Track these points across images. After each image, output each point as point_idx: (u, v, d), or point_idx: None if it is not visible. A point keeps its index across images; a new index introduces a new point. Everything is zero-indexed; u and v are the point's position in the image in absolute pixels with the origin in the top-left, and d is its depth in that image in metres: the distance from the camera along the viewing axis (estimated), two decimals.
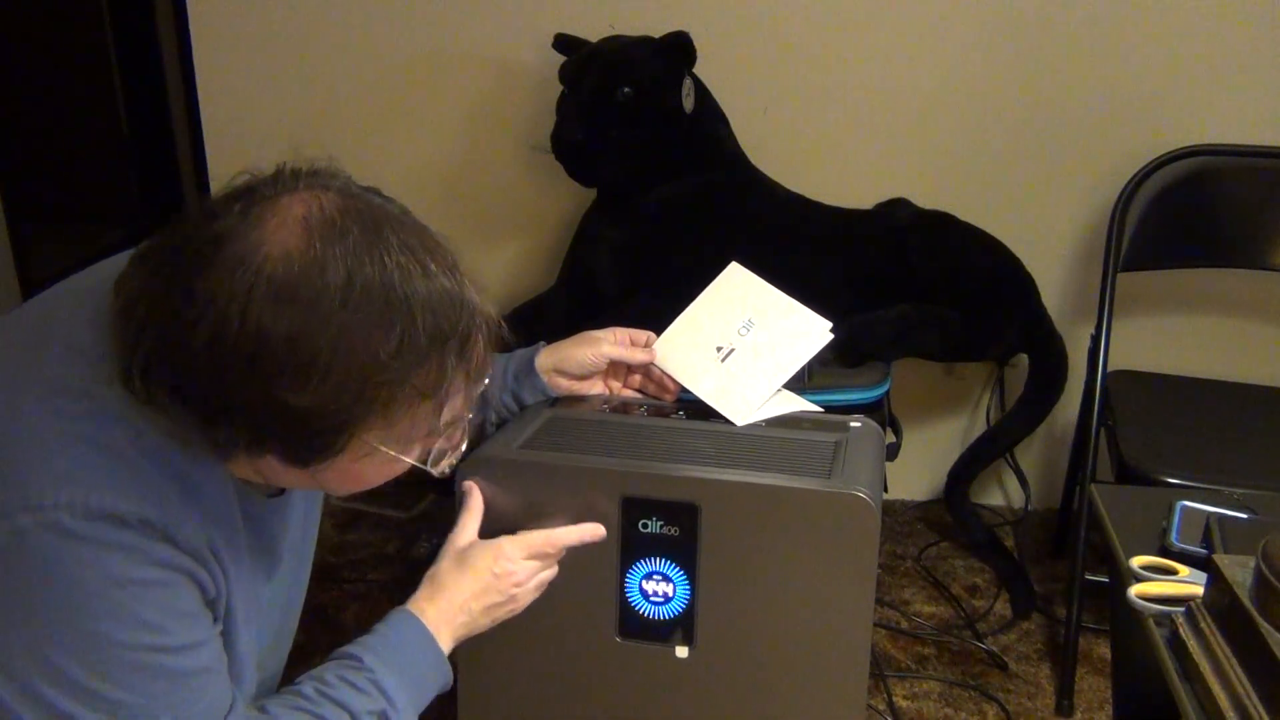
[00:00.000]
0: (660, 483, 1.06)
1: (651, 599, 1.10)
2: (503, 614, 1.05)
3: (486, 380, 0.87)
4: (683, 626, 1.09)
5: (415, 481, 2.59)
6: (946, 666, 1.80)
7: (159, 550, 0.77)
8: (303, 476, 0.83)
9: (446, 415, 0.83)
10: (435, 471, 0.87)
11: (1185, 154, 1.88)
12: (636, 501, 1.07)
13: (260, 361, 0.72)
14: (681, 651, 1.10)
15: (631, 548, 1.08)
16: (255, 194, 0.76)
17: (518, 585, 1.04)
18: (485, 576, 1.02)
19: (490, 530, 1.08)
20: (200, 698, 0.81)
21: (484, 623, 1.03)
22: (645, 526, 1.07)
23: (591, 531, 1.08)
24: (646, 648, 1.11)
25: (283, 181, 0.78)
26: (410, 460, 0.84)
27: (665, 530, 1.07)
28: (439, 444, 0.86)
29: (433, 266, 0.77)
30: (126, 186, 3.96)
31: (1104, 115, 2.00)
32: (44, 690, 0.75)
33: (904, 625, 1.91)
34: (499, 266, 2.30)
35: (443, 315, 0.77)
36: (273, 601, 0.98)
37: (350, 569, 2.05)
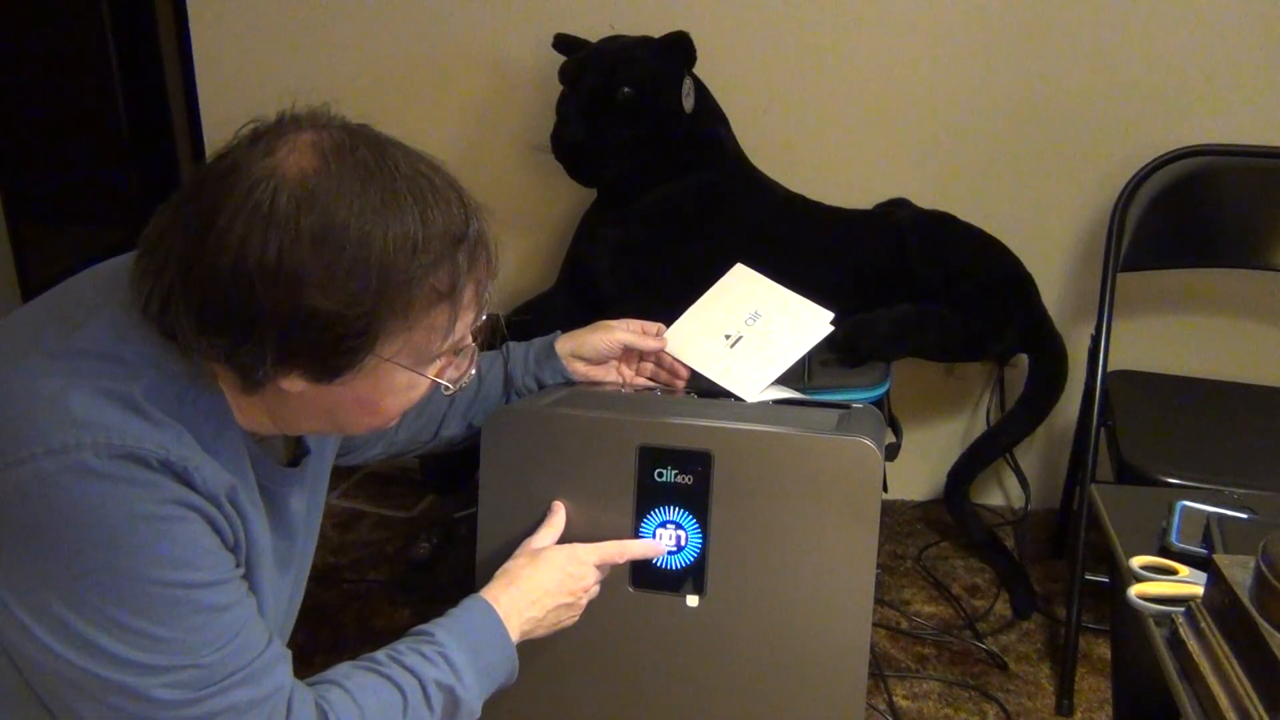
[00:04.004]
0: (676, 431, 1.11)
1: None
2: (565, 620, 1.08)
3: (488, 299, 0.92)
4: (694, 576, 1.12)
5: (415, 481, 2.58)
6: (946, 666, 1.80)
7: (177, 489, 0.78)
8: (322, 410, 0.86)
9: (458, 331, 0.87)
10: (447, 384, 0.90)
11: (1185, 154, 1.88)
12: (652, 450, 1.11)
13: (286, 265, 0.76)
14: (692, 601, 1.12)
15: (646, 497, 1.12)
16: (263, 133, 0.82)
17: (585, 590, 1.08)
18: (558, 574, 1.06)
19: (520, 481, 1.13)
20: (236, 633, 0.82)
21: (547, 624, 1.06)
22: (660, 476, 1.11)
23: (654, 547, 1.12)
24: (658, 597, 1.13)
25: (287, 122, 0.83)
26: (426, 377, 0.87)
27: (679, 479, 1.11)
28: (450, 371, 0.91)
29: (437, 180, 0.84)
30: (126, 187, 3.96)
31: (1104, 115, 2.00)
32: (82, 629, 0.76)
33: (904, 625, 1.91)
34: (499, 266, 2.30)
35: (453, 218, 0.83)
36: (285, 572, 0.99)
37: (350, 569, 2.05)
